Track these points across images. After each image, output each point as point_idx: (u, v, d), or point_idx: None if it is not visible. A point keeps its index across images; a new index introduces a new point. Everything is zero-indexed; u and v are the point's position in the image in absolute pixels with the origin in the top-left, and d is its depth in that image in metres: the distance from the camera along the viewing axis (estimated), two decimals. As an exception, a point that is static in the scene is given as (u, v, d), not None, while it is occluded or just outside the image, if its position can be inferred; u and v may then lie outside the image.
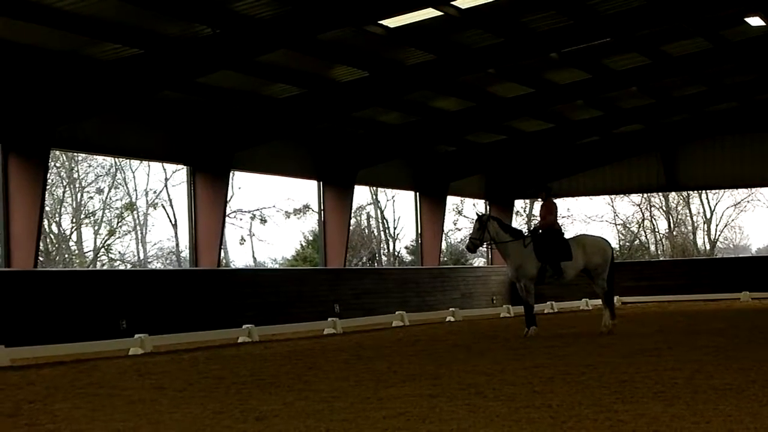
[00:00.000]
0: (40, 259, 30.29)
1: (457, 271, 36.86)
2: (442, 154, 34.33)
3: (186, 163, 25.38)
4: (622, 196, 53.25)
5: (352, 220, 35.54)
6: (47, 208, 41.17)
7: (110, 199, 47.64)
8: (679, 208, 58.66)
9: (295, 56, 22.17)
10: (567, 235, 19.82)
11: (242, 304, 24.26)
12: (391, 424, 8.20)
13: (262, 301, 25.03)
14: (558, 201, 20.56)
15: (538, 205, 20.06)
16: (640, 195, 54.30)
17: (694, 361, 12.43)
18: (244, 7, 18.94)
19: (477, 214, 20.35)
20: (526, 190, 38.22)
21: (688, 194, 55.86)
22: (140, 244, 48.97)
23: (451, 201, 42.12)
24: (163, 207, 48.51)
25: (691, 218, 58.89)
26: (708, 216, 58.25)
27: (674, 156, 37.25)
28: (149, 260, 48.74)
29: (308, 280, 27.84)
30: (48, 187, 30.91)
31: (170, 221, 48.34)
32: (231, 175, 26.71)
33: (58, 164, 44.31)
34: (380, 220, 54.50)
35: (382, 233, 54.68)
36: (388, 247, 54.87)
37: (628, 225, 58.83)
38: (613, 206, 57.82)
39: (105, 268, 45.66)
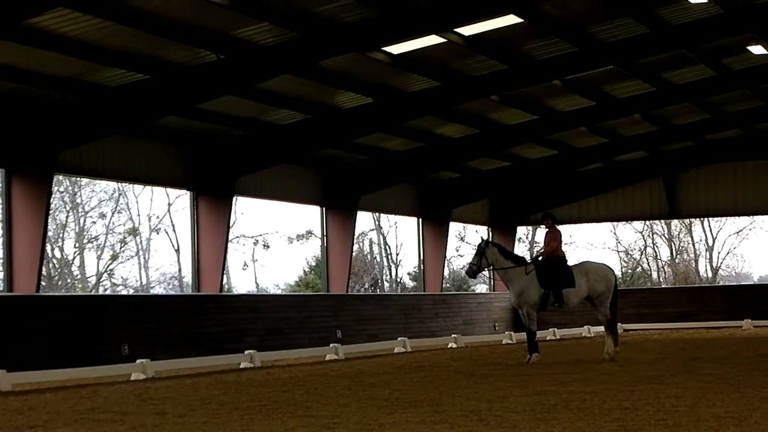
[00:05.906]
0: (43, 283, 30.28)
1: (460, 297, 36.78)
2: (444, 181, 34.37)
3: (189, 189, 25.44)
4: (624, 223, 53.19)
5: (355, 246, 35.53)
6: (50, 233, 41.20)
7: (113, 224, 47.65)
8: (681, 235, 58.63)
9: (298, 82, 22.25)
10: (570, 262, 19.80)
11: (244, 330, 24.24)
12: (393, 450, 8.19)
13: (265, 326, 25.01)
14: (560, 228, 20.56)
15: (542, 232, 20.03)
16: (643, 222, 54.23)
17: (697, 388, 12.41)
18: (247, 34, 19.04)
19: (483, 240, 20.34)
20: (529, 217, 38.21)
21: (690, 221, 55.81)
22: (143, 269, 48.98)
23: (454, 227, 42.16)
24: (166, 232, 48.55)
25: (693, 245, 58.84)
26: (710, 243, 58.22)
27: (676, 183, 37.29)
28: (152, 285, 48.71)
29: (310, 305, 27.79)
30: (51, 211, 30.90)
31: (173, 246, 48.38)
32: (234, 200, 26.77)
33: (61, 189, 44.34)
34: (383, 246, 54.50)
35: (384, 259, 54.65)
36: (390, 273, 54.83)
37: (630, 252, 58.84)
38: (615, 233, 57.85)
39: (107, 293, 45.61)
